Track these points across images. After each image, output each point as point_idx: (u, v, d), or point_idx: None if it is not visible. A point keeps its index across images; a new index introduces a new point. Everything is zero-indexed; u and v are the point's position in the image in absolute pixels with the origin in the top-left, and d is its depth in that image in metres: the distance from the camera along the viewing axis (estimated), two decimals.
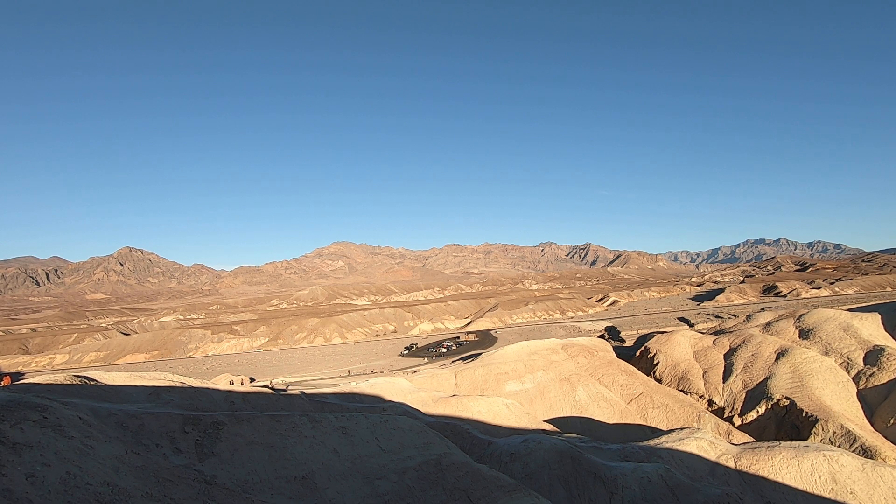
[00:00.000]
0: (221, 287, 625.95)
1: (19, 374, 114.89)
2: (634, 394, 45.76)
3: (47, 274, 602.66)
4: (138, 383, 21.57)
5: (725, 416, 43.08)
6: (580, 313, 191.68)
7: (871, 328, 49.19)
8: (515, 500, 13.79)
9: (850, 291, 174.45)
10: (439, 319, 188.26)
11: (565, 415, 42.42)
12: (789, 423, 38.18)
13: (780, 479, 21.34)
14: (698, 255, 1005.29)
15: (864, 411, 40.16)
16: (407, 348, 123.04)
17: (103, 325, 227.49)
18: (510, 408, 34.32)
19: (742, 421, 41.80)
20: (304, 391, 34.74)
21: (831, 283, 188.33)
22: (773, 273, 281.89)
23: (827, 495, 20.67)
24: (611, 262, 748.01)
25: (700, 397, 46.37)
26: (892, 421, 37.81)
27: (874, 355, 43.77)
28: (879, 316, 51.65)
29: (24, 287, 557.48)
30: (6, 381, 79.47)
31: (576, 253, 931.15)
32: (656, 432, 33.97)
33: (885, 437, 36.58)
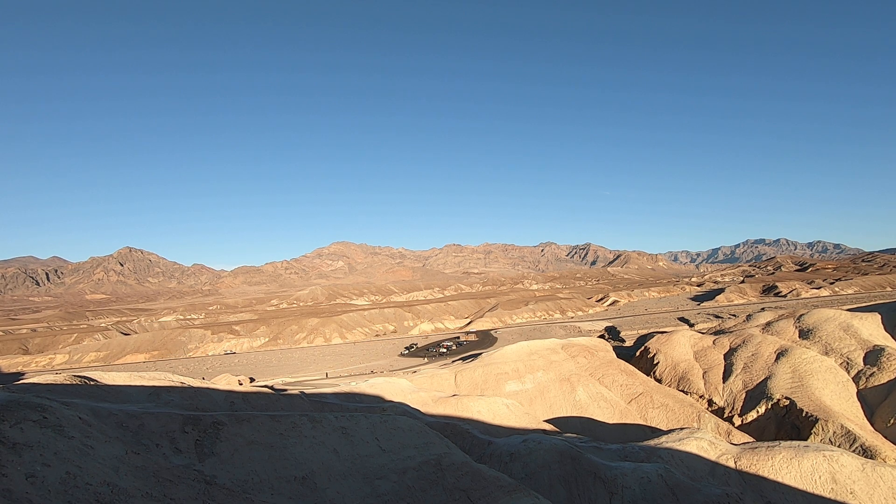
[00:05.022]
0: (221, 287, 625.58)
1: (20, 374, 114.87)
2: (634, 394, 45.74)
3: (47, 274, 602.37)
4: (138, 383, 21.57)
5: (725, 416, 43.06)
6: (580, 313, 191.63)
7: (871, 328, 49.17)
8: (515, 500, 13.78)
9: (850, 291, 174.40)
10: (439, 319, 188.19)
11: (565, 415, 42.41)
12: (789, 423, 38.17)
13: (780, 479, 21.33)
14: (698, 255, 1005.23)
15: (864, 411, 40.15)
16: (407, 348, 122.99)
17: (103, 325, 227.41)
18: (510, 408, 34.30)
19: (742, 421, 41.78)
20: (304, 391, 34.71)
21: (831, 283, 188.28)
22: (773, 273, 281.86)
23: (827, 495, 20.66)
24: (611, 262, 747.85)
25: (700, 397, 46.36)
26: (892, 421, 37.81)
27: (874, 355, 43.76)
28: (879, 316, 51.63)
29: (24, 287, 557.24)
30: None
31: (576, 253, 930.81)
32: (656, 432, 33.96)
33: (885, 437, 36.57)
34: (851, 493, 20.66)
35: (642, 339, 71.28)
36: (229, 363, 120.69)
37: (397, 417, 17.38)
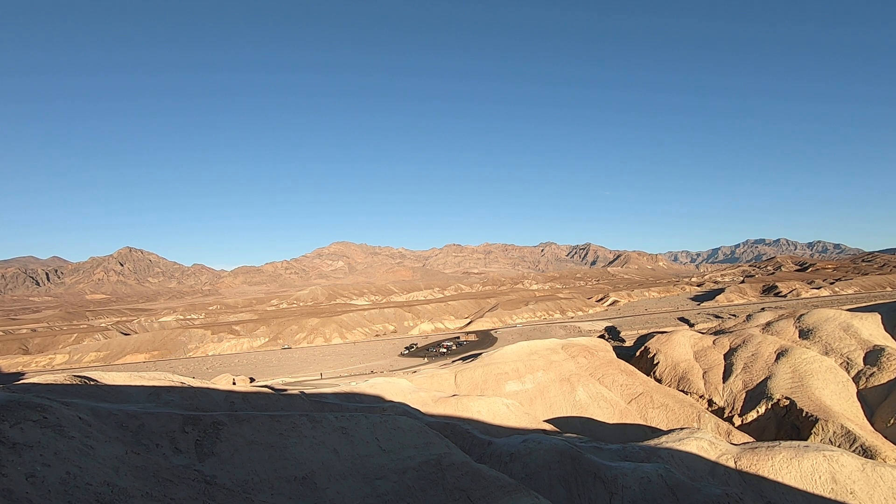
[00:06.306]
0: (221, 287, 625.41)
1: (20, 374, 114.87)
2: (634, 394, 45.74)
3: (47, 274, 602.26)
4: (138, 383, 21.57)
5: (725, 416, 43.06)
6: (580, 313, 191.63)
7: (871, 328, 49.17)
8: (515, 500, 13.79)
9: (850, 291, 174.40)
10: (439, 319, 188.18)
11: (565, 415, 42.41)
12: (789, 423, 38.17)
13: (780, 479, 21.33)
14: (698, 255, 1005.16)
15: (864, 411, 40.15)
16: (407, 348, 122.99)
17: (103, 325, 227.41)
18: (510, 408, 34.30)
19: (742, 421, 41.79)
20: (304, 391, 34.71)
21: (831, 283, 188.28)
22: (773, 273, 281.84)
23: (827, 495, 20.66)
24: (611, 262, 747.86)
25: (700, 397, 46.36)
26: (892, 421, 37.81)
27: (874, 355, 43.76)
28: (879, 316, 51.63)
29: (24, 287, 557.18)
30: None
31: (576, 253, 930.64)
32: (656, 432, 33.96)
33: (885, 437, 36.57)
34: (851, 493, 20.65)
35: (642, 339, 71.28)
36: (229, 363, 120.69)
37: (397, 417, 17.38)
